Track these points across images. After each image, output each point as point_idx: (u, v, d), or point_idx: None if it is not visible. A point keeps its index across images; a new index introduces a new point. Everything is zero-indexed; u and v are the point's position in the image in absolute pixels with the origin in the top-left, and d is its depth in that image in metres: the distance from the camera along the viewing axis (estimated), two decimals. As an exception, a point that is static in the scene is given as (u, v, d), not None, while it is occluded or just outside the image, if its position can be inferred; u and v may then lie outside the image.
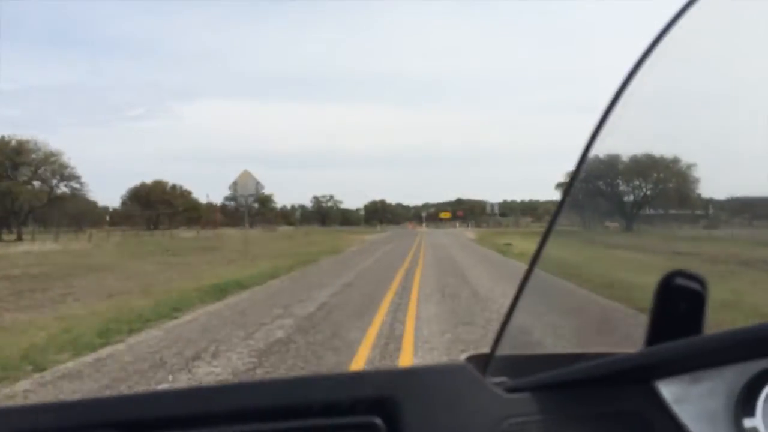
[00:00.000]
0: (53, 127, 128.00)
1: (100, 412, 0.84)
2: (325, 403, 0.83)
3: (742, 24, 0.79)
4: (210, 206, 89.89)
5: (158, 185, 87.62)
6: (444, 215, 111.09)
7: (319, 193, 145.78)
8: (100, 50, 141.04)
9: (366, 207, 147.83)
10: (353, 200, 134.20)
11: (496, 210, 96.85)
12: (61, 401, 1.17)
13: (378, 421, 0.81)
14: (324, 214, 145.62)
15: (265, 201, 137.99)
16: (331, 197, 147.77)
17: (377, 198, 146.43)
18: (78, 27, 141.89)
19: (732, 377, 0.80)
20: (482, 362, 0.92)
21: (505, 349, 0.94)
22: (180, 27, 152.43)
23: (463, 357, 0.95)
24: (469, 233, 59.59)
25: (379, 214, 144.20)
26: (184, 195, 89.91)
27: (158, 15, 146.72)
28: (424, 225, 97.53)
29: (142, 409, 0.84)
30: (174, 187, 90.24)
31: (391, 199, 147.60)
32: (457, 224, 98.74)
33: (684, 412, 0.81)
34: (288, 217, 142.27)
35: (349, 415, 0.82)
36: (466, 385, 0.86)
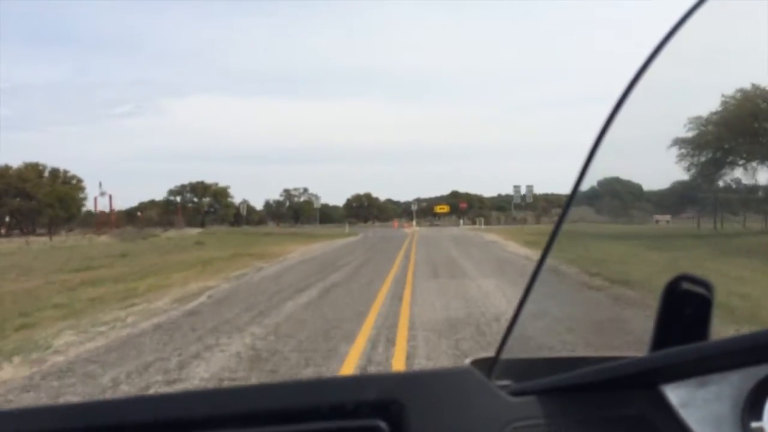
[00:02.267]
0: (41, 125, 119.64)
1: (105, 414, 0.83)
2: (329, 406, 0.81)
3: (751, 21, 0.79)
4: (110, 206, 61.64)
5: (32, 170, 59.16)
6: (440, 209, 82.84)
7: (292, 186, 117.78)
8: (88, 48, 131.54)
9: (349, 201, 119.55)
10: (340, 196, 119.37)
11: (528, 199, 65.61)
12: (62, 404, 1.11)
13: (383, 424, 0.80)
14: (296, 210, 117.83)
15: (218, 194, 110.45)
16: (305, 190, 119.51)
17: (362, 192, 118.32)
18: (65, 25, 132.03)
19: (739, 382, 0.79)
20: (487, 366, 0.90)
21: (510, 353, 0.93)
22: (168, 24, 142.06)
23: (468, 361, 0.93)
24: (502, 239, 30.99)
25: (364, 210, 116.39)
26: (67, 185, 61.47)
27: (147, 12, 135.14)
28: (414, 222, 69.35)
29: (148, 411, 0.83)
30: (56, 173, 61.90)
31: (381, 195, 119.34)
32: (461, 221, 71.16)
33: (690, 417, 0.79)
34: (252, 214, 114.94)
35: (354, 419, 0.80)
36: (471, 389, 0.85)
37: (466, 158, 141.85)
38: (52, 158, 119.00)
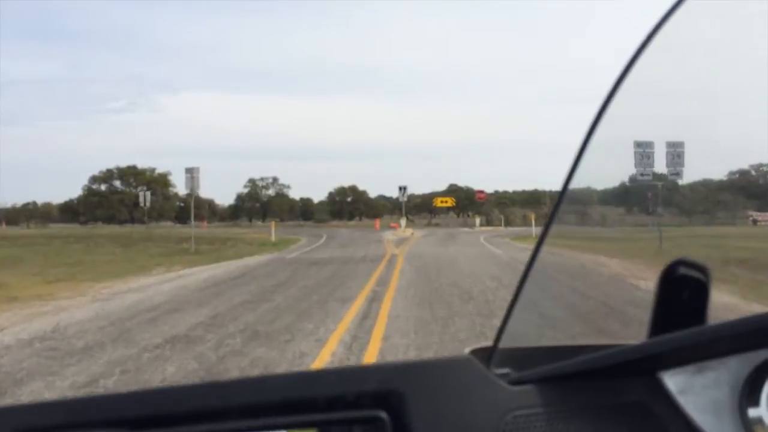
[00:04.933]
0: (33, 120, 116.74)
1: (107, 408, 0.81)
2: (330, 398, 0.80)
3: (739, 15, 0.78)
4: None
5: None
6: (441, 202, 55.53)
7: (258, 176, 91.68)
8: (82, 42, 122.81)
9: (331, 195, 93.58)
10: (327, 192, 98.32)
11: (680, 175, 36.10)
12: (67, 398, 1.08)
13: (383, 414, 0.79)
14: (264, 204, 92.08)
15: (153, 183, 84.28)
16: (274, 180, 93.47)
17: (347, 184, 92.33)
18: (59, 19, 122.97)
19: (736, 367, 0.78)
20: (486, 355, 0.89)
21: (508, 342, 0.92)
22: (163, 19, 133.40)
23: (467, 350, 0.91)
24: None
25: (348, 205, 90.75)
26: None
27: (141, 7, 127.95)
28: (403, 222, 40.57)
29: (149, 405, 0.82)
30: None
31: (373, 191, 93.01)
32: (477, 220, 44.39)
33: (688, 403, 0.79)
34: (201, 208, 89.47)
35: (354, 409, 0.79)
36: (470, 378, 0.84)
37: (462, 155, 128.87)
38: (45, 153, 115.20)
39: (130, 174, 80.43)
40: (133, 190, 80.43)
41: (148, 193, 52.68)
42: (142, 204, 49.22)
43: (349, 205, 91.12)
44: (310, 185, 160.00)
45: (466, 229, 42.49)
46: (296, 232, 41.60)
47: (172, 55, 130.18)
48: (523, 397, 0.81)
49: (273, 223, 30.13)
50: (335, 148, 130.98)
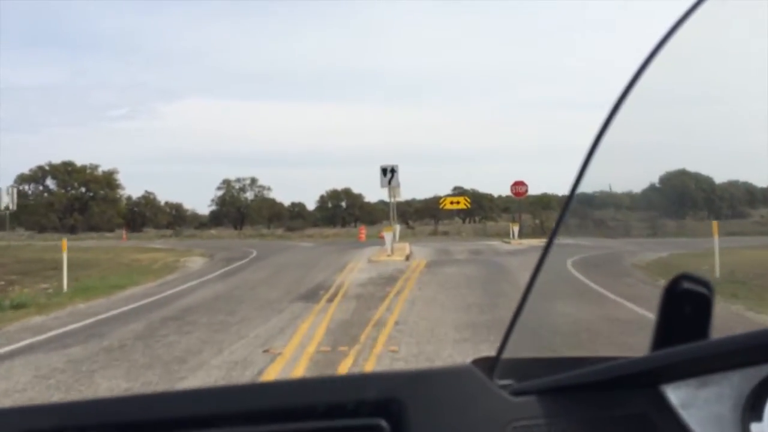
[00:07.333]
0: (35, 127, 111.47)
1: (103, 413, 0.81)
2: (329, 405, 0.80)
3: (749, 23, 0.79)
4: None
5: None
6: (452, 203, 39.23)
7: (233, 177, 76.69)
8: (83, 50, 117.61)
9: (323, 200, 77.68)
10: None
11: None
12: (63, 402, 1.10)
13: (383, 423, 0.78)
14: (241, 210, 75.68)
15: (92, 183, 68.12)
16: (253, 181, 77.27)
17: (339, 187, 77.22)
18: (61, 26, 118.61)
19: (739, 382, 0.78)
20: (488, 365, 0.89)
21: (511, 352, 0.92)
22: (164, 26, 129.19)
23: (469, 360, 0.91)
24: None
25: (342, 210, 74.71)
26: None
27: (142, 14, 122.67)
28: (393, 234, 21.29)
29: (146, 410, 0.82)
30: None
31: (373, 197, 79.40)
32: (514, 229, 27.88)
33: (691, 417, 0.78)
34: (160, 214, 73.57)
35: (355, 417, 0.79)
36: (472, 388, 0.84)
37: (465, 159, 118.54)
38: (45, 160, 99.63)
39: (65, 172, 64.21)
40: (72, 192, 64.39)
41: (14, 190, 33.49)
42: (6, 208, 31.02)
43: (343, 211, 75.60)
44: (309, 191, 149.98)
45: (495, 243, 26.39)
46: (226, 246, 26.41)
47: (173, 62, 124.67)
48: (525, 408, 0.80)
49: (125, 233, 13.85)
50: (334, 153, 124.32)
